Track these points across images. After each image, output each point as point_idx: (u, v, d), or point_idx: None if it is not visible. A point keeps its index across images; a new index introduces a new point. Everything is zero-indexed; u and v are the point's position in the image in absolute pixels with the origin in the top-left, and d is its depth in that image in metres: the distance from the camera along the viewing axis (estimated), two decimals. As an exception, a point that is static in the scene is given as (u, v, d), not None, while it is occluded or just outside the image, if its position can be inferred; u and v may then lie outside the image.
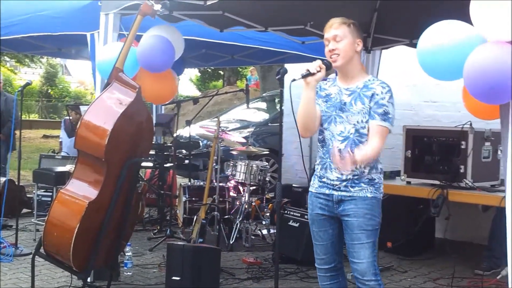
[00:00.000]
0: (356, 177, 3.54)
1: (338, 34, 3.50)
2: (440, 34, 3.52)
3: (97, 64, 5.23)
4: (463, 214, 6.50)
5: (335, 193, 3.58)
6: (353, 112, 3.53)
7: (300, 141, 3.58)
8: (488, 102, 3.37)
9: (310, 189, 3.76)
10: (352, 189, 3.55)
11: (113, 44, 5.24)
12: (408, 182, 5.75)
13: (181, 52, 5.68)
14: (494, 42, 3.18)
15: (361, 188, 3.54)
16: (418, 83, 7.65)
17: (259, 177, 7.05)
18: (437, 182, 5.38)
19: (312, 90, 3.47)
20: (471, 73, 3.26)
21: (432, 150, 5.66)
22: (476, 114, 4.67)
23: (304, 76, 3.41)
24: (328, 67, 3.49)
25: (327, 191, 3.62)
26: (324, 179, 3.63)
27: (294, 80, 3.38)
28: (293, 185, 8.54)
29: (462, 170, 5.33)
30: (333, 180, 3.58)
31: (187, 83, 37.03)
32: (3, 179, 7.75)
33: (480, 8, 3.22)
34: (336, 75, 3.77)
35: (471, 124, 5.31)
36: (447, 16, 3.52)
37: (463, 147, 5.34)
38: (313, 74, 3.42)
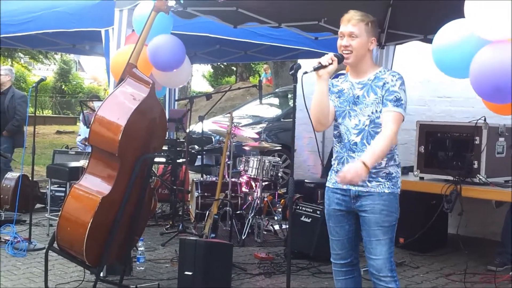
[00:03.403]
0: (373, 171, 3.50)
1: (354, 32, 3.48)
2: (454, 33, 3.54)
3: (134, 18, 5.27)
4: (476, 210, 6.48)
5: (352, 188, 3.56)
6: (366, 103, 3.53)
7: (315, 136, 3.59)
8: (495, 101, 3.39)
9: (327, 184, 3.75)
10: (369, 184, 3.52)
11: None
12: (421, 178, 5.75)
13: (186, 79, 5.81)
14: (497, 42, 3.21)
15: (379, 183, 3.53)
16: (431, 79, 7.63)
17: (272, 172, 7.06)
18: (450, 178, 5.37)
19: (324, 83, 3.46)
20: (476, 74, 3.30)
21: (445, 146, 5.65)
22: (495, 109, 4.55)
23: (316, 69, 3.40)
24: (340, 60, 3.47)
25: (344, 186, 3.60)
26: (341, 174, 3.62)
27: (306, 72, 3.38)
28: (305, 180, 8.53)
29: (475, 166, 5.32)
30: None
31: (200, 79, 37.15)
32: (16, 174, 7.81)
33: (476, 8, 3.24)
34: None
35: (485, 120, 5.29)
36: (461, 11, 3.52)
37: (476, 142, 5.33)
38: (325, 66, 3.40)
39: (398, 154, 3.63)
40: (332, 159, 3.76)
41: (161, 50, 5.22)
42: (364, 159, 3.34)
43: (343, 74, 3.80)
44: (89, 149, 5.96)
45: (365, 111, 3.53)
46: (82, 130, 9.94)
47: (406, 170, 6.08)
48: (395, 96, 3.46)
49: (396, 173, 3.60)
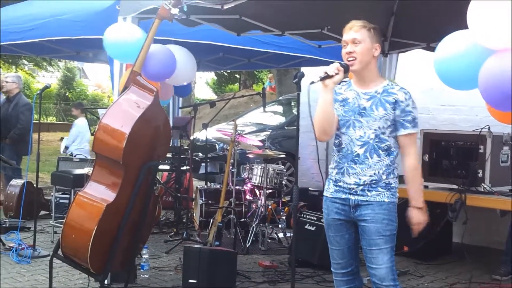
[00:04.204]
0: (373, 182, 3.52)
1: (357, 38, 3.49)
2: (457, 44, 3.55)
3: (105, 42, 5.26)
4: (480, 219, 6.46)
5: (352, 197, 3.56)
6: (374, 117, 3.51)
7: (316, 145, 3.59)
8: (506, 110, 3.39)
9: (325, 193, 3.73)
10: (369, 193, 3.52)
11: (124, 24, 5.30)
12: (426, 186, 5.72)
13: (191, 78, 5.80)
14: (503, 50, 3.22)
15: (378, 192, 3.52)
16: (435, 87, 7.61)
17: (276, 180, 7.06)
18: (454, 187, 5.36)
19: (330, 93, 3.45)
20: (486, 82, 3.30)
21: (449, 154, 5.64)
22: (499, 118, 4.55)
23: (322, 79, 3.40)
24: (346, 70, 3.47)
25: (343, 196, 3.60)
26: (341, 183, 3.61)
27: (312, 82, 3.37)
28: (310, 188, 8.53)
29: (480, 175, 5.31)
30: (350, 184, 3.56)
31: (203, 86, 37.20)
32: (21, 181, 7.82)
33: (479, 17, 3.25)
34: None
35: (489, 128, 5.29)
36: (464, 20, 3.52)
37: (481, 151, 5.32)
38: (331, 76, 3.40)
39: (397, 167, 3.64)
40: (330, 167, 3.76)
41: (150, 61, 5.18)
42: (416, 204, 3.58)
43: (345, 81, 3.79)
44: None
45: (372, 125, 3.52)
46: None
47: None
48: (412, 117, 3.52)
49: (395, 183, 3.60)
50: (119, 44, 5.17)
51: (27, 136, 8.20)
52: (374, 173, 3.52)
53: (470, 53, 3.47)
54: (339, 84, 3.67)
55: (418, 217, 3.57)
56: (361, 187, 3.54)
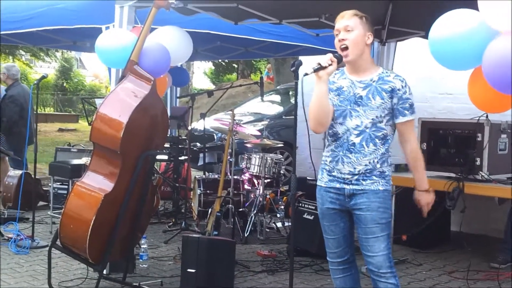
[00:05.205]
0: (368, 171, 3.52)
1: (349, 25, 3.47)
2: (452, 23, 3.52)
3: (96, 49, 5.21)
4: (478, 207, 6.47)
5: (347, 187, 3.56)
6: (372, 106, 3.49)
7: (308, 134, 3.58)
8: (506, 92, 3.37)
9: (318, 183, 3.72)
10: (364, 182, 3.52)
11: (117, 30, 5.27)
12: (424, 175, 5.73)
13: (187, 57, 5.76)
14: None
15: (373, 181, 3.52)
16: (433, 76, 7.61)
17: (274, 169, 7.05)
18: (452, 175, 5.35)
19: (324, 84, 3.43)
20: (491, 64, 3.26)
21: (447, 143, 5.64)
22: (482, 107, 4.52)
23: (315, 70, 3.37)
24: (340, 60, 3.45)
25: (337, 185, 3.59)
26: (335, 173, 3.59)
27: (306, 74, 3.36)
28: (308, 178, 8.51)
29: (478, 163, 5.31)
30: (344, 173, 3.55)
31: (201, 76, 37.16)
32: (19, 172, 7.81)
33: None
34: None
35: (487, 116, 5.28)
36: (463, 7, 3.51)
37: (479, 139, 5.32)
38: (325, 67, 3.38)
39: (391, 155, 3.63)
40: (323, 156, 3.74)
41: (144, 57, 5.12)
42: (422, 187, 3.68)
43: (337, 69, 3.77)
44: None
45: (370, 114, 3.50)
46: None
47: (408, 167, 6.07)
48: (409, 104, 3.52)
49: (388, 172, 3.61)
50: (109, 51, 5.13)
51: (14, 129, 8.11)
52: (369, 162, 3.51)
53: (474, 33, 3.43)
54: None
55: (425, 198, 3.66)
56: (355, 177, 3.53)
